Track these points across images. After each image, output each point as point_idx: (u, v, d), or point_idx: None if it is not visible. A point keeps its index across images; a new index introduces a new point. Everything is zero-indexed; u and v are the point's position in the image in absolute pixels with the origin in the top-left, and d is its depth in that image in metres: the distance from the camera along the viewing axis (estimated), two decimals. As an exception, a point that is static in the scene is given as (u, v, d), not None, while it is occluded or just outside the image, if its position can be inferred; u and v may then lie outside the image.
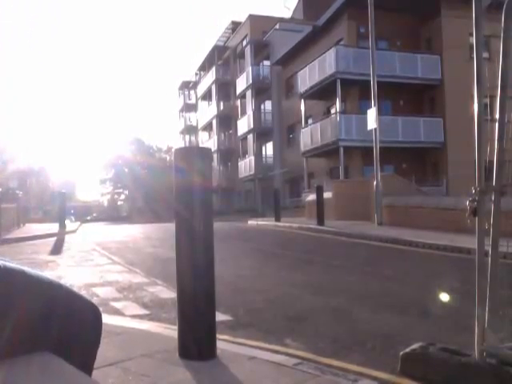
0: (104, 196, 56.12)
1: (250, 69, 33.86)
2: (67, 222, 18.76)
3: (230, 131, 40.61)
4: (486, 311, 2.59)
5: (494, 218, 2.59)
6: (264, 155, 35.42)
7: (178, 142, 53.13)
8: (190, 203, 2.92)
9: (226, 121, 40.37)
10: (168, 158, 43.09)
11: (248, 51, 34.41)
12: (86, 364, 0.88)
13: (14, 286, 0.78)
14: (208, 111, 43.82)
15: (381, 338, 3.62)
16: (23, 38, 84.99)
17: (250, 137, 34.47)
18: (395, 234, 11.04)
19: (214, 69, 41.29)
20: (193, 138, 51.33)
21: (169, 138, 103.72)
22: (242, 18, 38.96)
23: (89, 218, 35.73)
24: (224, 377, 2.66)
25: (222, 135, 41.94)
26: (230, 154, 40.24)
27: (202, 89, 45.55)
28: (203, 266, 2.91)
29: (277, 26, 33.58)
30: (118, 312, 4.55)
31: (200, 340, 2.89)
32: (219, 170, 40.15)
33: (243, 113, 35.74)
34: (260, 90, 33.74)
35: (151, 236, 13.91)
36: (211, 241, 2.96)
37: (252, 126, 33.61)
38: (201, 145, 41.49)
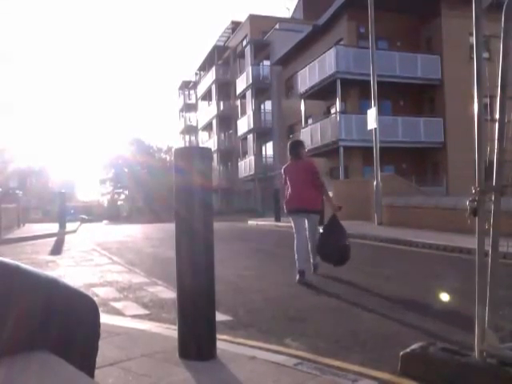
0: (104, 196, 56.10)
1: (249, 69, 33.85)
2: (70, 222, 18.79)
3: (230, 131, 40.61)
4: (486, 311, 2.59)
5: (494, 218, 2.59)
6: (264, 155, 35.41)
7: (178, 142, 53.14)
8: (190, 203, 2.92)
9: (226, 121, 40.36)
10: (168, 158, 43.06)
11: (248, 51, 34.40)
12: (86, 361, 0.88)
13: (12, 284, 0.78)
14: (208, 111, 43.81)
15: (381, 337, 3.62)
16: (23, 37, 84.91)
17: (250, 137, 34.46)
18: (395, 234, 11.04)
19: (213, 69, 41.28)
20: (193, 138, 51.33)
21: (169, 138, 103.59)
22: (242, 18, 38.99)
23: (85, 216, 35.60)
24: (224, 377, 2.66)
25: (222, 135, 41.94)
26: (230, 154, 40.22)
27: (201, 89, 45.55)
28: (203, 266, 2.91)
29: (277, 26, 33.57)
30: (118, 312, 4.55)
31: (200, 340, 2.89)
32: (219, 170, 40.15)
33: (243, 113, 35.74)
34: (260, 90, 33.73)
35: (151, 236, 13.92)
36: (211, 241, 2.96)
37: (252, 126, 33.60)
38: (201, 145, 41.47)
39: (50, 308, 0.82)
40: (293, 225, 6.39)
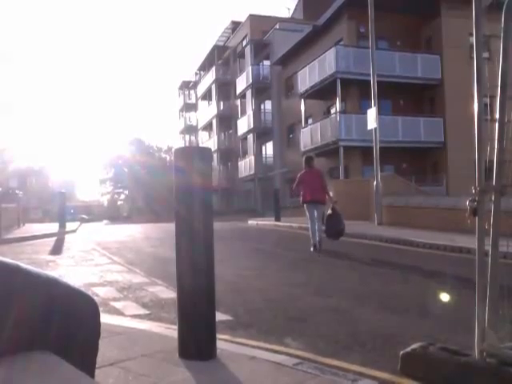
0: (104, 196, 56.09)
1: (249, 69, 33.85)
2: (71, 222, 18.77)
3: (230, 131, 40.60)
4: (485, 311, 2.59)
5: (493, 218, 2.59)
6: (264, 155, 35.40)
7: (178, 142, 53.13)
8: (190, 203, 2.91)
9: (226, 121, 40.36)
10: (168, 158, 43.06)
11: (248, 51, 34.40)
12: (86, 361, 0.88)
13: (12, 283, 0.78)
14: (208, 111, 43.81)
15: (381, 337, 3.62)
16: (23, 37, 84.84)
17: (250, 137, 34.46)
18: (395, 233, 11.04)
19: (213, 69, 41.28)
20: (193, 138, 51.32)
21: (169, 137, 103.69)
22: (242, 17, 39.00)
23: (85, 216, 35.56)
24: (224, 377, 2.66)
25: (222, 135, 41.93)
26: (229, 153, 40.22)
27: (201, 89, 45.54)
28: (203, 266, 2.91)
29: (277, 26, 33.57)
30: (118, 312, 4.55)
31: (200, 340, 2.89)
32: (219, 170, 40.13)
33: (243, 113, 35.73)
34: (260, 89, 33.73)
35: (151, 236, 13.91)
36: (211, 241, 2.96)
37: (252, 126, 33.59)
38: (201, 145, 41.47)
39: (50, 307, 0.82)
40: (307, 213, 9.30)
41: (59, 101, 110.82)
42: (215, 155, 39.25)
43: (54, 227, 15.90)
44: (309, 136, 24.34)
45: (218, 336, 3.08)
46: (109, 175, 49.46)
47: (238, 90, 35.93)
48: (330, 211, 9.23)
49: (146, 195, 39.84)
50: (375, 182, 14.13)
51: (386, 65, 20.30)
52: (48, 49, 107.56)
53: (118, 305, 4.85)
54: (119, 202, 54.19)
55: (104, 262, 8.14)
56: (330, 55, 22.20)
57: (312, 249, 9.04)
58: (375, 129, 14.34)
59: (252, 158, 33.91)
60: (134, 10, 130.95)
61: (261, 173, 32.96)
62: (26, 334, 0.78)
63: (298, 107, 25.88)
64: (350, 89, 22.38)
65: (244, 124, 35.15)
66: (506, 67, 2.58)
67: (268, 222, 17.64)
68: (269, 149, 34.96)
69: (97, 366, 0.93)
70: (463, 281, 5.25)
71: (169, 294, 5.18)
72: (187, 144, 47.89)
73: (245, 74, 34.65)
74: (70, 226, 17.22)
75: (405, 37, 23.27)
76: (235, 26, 40.13)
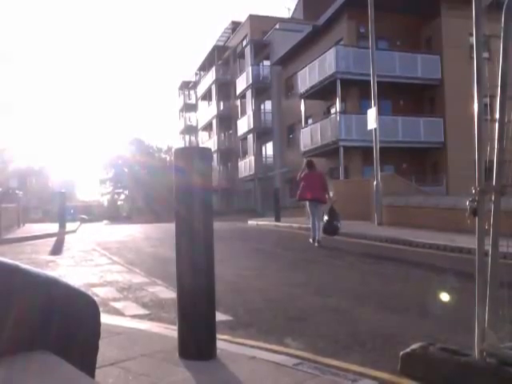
0: (104, 196, 56.11)
1: (249, 69, 33.85)
2: (71, 222, 18.76)
3: (230, 131, 40.60)
4: (485, 311, 2.59)
5: (493, 218, 2.59)
6: (264, 155, 35.40)
7: (178, 142, 53.16)
8: (190, 203, 2.92)
9: (226, 121, 40.36)
10: (168, 158, 43.10)
11: (248, 51, 34.40)
12: (86, 361, 0.87)
13: (12, 283, 0.78)
14: (208, 111, 43.81)
15: (381, 337, 3.62)
16: (23, 37, 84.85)
17: (250, 137, 34.46)
18: (395, 233, 11.04)
19: (213, 69, 41.28)
20: (193, 138, 51.33)
21: (169, 138, 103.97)
22: (242, 18, 38.97)
23: (85, 216, 35.52)
24: (224, 377, 2.66)
25: (222, 135, 41.93)
26: (229, 154, 40.22)
27: (201, 89, 45.55)
28: (203, 266, 2.91)
29: (277, 26, 33.57)
30: (118, 312, 4.55)
31: (200, 340, 2.89)
32: (219, 170, 40.13)
33: (243, 113, 35.73)
34: (260, 89, 33.73)
35: (151, 236, 13.91)
36: (211, 241, 2.96)
37: (252, 126, 33.60)
38: (201, 145, 41.46)
39: (50, 307, 0.82)
40: (308, 209, 10.42)
41: (59, 101, 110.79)
42: (215, 155, 39.25)
43: (53, 227, 15.90)
44: (309, 136, 24.34)
45: (218, 336, 3.08)
46: (109, 175, 49.50)
47: (238, 90, 35.92)
48: (328, 210, 10.21)
49: (145, 195, 39.85)
50: (375, 182, 14.13)
51: (385, 65, 20.29)
52: (48, 49, 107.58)
53: (117, 305, 4.85)
54: (119, 202, 54.19)
55: (104, 262, 8.14)
56: (330, 55, 22.20)
57: (311, 240, 10.07)
58: (375, 129, 14.34)
59: (252, 158, 33.91)
60: (134, 10, 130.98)
61: (261, 173, 32.96)
62: (25, 334, 0.78)
63: (298, 107, 25.88)
64: (350, 89, 22.38)
65: (244, 124, 35.15)
66: (506, 67, 2.58)
67: (268, 222, 17.64)
68: (269, 149, 34.96)
69: (97, 366, 0.93)
70: (463, 281, 5.26)
71: (169, 294, 5.18)
72: (187, 144, 47.91)
73: (245, 74, 34.65)
74: (69, 226, 17.21)
75: (405, 37, 23.27)
76: (235, 26, 40.13)
